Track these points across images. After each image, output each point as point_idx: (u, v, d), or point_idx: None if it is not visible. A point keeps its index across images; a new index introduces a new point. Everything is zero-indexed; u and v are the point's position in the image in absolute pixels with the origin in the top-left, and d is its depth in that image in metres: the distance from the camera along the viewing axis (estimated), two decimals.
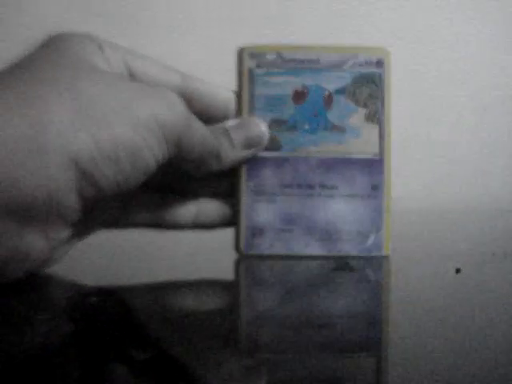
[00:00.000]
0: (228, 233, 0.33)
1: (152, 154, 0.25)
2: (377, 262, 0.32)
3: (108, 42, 0.27)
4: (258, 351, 0.19)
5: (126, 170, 0.24)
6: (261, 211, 0.32)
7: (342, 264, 0.31)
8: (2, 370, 0.17)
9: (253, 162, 0.32)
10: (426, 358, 0.18)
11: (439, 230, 0.45)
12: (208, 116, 0.31)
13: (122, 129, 0.24)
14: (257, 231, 0.32)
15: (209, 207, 0.32)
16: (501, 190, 0.66)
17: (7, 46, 0.41)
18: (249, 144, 0.31)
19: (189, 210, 0.31)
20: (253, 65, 0.32)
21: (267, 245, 0.32)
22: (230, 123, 0.31)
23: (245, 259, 0.32)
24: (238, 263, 0.32)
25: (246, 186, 0.32)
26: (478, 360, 0.18)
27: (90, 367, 0.17)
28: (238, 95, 0.32)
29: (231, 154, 0.30)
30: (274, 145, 0.32)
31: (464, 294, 0.26)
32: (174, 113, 0.26)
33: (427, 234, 0.42)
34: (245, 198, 0.32)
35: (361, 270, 0.31)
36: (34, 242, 0.23)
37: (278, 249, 0.32)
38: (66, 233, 0.25)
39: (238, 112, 0.32)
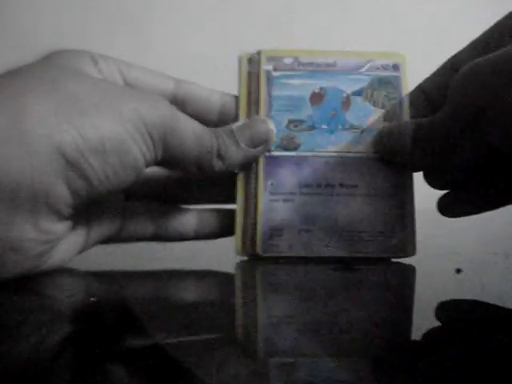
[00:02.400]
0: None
1: (139, 149, 0.25)
2: (377, 262, 0.31)
3: (101, 55, 0.28)
4: (260, 350, 0.19)
5: (114, 163, 0.25)
6: (279, 211, 0.32)
7: (341, 264, 0.31)
8: (2, 370, 0.17)
9: (271, 162, 0.32)
10: (428, 359, 0.18)
11: (439, 229, 0.45)
12: (204, 119, 0.31)
13: (107, 122, 0.24)
14: (276, 232, 0.32)
15: (210, 218, 0.32)
16: None
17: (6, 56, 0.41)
18: (255, 141, 0.30)
19: (190, 221, 0.32)
20: (270, 68, 0.32)
21: (286, 246, 0.32)
22: (236, 124, 0.31)
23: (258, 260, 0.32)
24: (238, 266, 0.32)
25: (264, 186, 0.32)
26: (478, 360, 0.18)
27: (91, 366, 0.17)
28: (255, 97, 0.32)
29: (235, 153, 0.30)
30: (292, 144, 0.32)
31: (465, 294, 0.26)
32: (158, 111, 0.26)
33: (427, 234, 0.42)
34: (263, 198, 0.32)
35: (360, 270, 0.30)
36: (25, 232, 0.24)
37: (297, 250, 0.31)
38: (58, 227, 0.25)
39: (254, 113, 0.32)
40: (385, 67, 0.32)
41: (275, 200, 0.32)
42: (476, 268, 0.31)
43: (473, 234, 0.45)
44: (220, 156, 0.29)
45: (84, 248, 0.29)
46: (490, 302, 0.24)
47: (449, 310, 0.23)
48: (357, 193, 0.32)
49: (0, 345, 0.19)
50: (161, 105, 0.27)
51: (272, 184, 0.32)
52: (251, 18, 0.66)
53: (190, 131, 0.27)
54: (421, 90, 0.32)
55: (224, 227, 0.32)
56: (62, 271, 0.28)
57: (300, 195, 0.32)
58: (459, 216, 0.32)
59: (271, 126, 0.31)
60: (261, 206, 0.32)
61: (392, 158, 0.31)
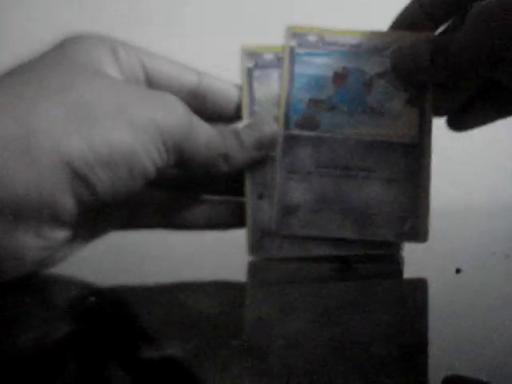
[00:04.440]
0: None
1: (150, 158, 0.25)
2: (377, 261, 0.31)
3: (124, 43, 0.27)
4: (264, 353, 0.19)
5: (123, 174, 0.24)
6: (295, 190, 0.31)
7: (341, 262, 0.31)
8: (2, 370, 0.17)
9: (289, 141, 0.31)
10: (428, 360, 0.18)
11: (439, 229, 0.45)
12: (222, 113, 0.31)
13: (118, 132, 0.23)
14: (290, 210, 0.31)
15: (221, 209, 0.32)
16: (501, 190, 0.66)
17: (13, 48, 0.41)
18: (260, 144, 0.30)
19: (202, 211, 0.31)
20: (294, 44, 0.32)
21: (300, 224, 0.31)
22: (242, 124, 0.30)
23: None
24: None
25: (280, 164, 0.31)
26: (478, 360, 0.18)
27: (90, 368, 0.17)
28: (281, 74, 0.31)
29: (241, 155, 0.29)
30: (311, 124, 0.31)
31: (464, 295, 0.26)
32: (174, 117, 0.25)
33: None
34: (279, 176, 0.31)
35: (360, 268, 0.30)
36: (28, 241, 0.23)
37: (311, 229, 0.31)
38: (62, 233, 0.25)
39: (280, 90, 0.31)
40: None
41: (291, 178, 0.31)
42: (476, 268, 0.31)
43: (473, 234, 0.44)
44: (226, 158, 0.29)
45: (90, 240, 0.29)
46: (490, 302, 0.24)
47: (448, 310, 0.23)
48: (373, 176, 0.31)
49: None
50: (178, 110, 0.26)
51: (289, 163, 0.31)
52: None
53: (203, 136, 0.27)
54: (418, 3, 0.31)
55: (236, 219, 0.32)
56: (62, 271, 0.28)
57: (316, 175, 0.31)
58: (469, 128, 0.33)
59: (276, 127, 0.31)
60: (277, 185, 0.31)
61: (409, 75, 0.31)
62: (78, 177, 0.23)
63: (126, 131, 0.24)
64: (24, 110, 0.22)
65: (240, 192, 0.32)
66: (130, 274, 0.30)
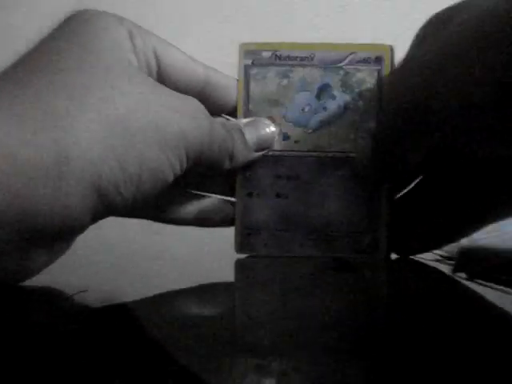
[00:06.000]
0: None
1: (172, 170, 0.25)
2: (377, 263, 0.31)
3: (139, 27, 0.26)
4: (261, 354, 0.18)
5: (146, 188, 0.24)
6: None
7: (341, 264, 0.31)
8: (1, 370, 0.16)
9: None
10: (425, 360, 0.18)
11: None
12: (223, 108, 0.31)
13: (150, 151, 0.23)
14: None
15: (212, 205, 0.32)
16: None
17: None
18: (260, 144, 0.31)
19: (192, 206, 0.31)
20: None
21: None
22: (243, 121, 0.31)
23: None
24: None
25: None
26: (477, 361, 0.18)
27: (88, 370, 0.17)
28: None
29: (244, 153, 0.30)
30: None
31: (465, 294, 0.26)
32: (200, 127, 0.26)
33: None
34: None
35: (360, 270, 0.30)
36: (39, 255, 0.23)
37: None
38: (70, 243, 0.25)
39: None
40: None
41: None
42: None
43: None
44: (231, 156, 0.29)
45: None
46: (490, 302, 0.24)
47: (448, 310, 0.23)
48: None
49: None
50: (203, 120, 0.26)
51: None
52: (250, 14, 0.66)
53: (219, 140, 0.27)
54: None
55: (225, 217, 0.32)
56: (56, 273, 0.27)
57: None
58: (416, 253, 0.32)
59: (274, 129, 0.31)
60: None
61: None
62: (102, 197, 0.22)
63: (157, 148, 0.24)
64: (60, 127, 0.21)
65: (229, 189, 0.32)
66: (127, 274, 0.29)
